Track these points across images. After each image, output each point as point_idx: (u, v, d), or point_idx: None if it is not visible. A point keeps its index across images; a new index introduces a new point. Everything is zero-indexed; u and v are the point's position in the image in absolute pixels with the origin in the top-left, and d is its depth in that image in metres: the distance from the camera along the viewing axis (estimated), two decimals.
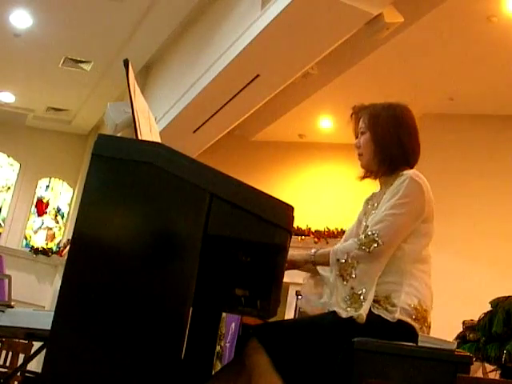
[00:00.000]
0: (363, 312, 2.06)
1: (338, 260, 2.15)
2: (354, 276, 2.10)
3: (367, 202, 2.40)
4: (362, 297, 2.08)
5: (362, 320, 2.05)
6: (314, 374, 2.05)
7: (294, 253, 2.30)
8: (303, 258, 2.30)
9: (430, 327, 2.17)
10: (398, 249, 2.17)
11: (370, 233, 2.13)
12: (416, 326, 2.11)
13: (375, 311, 2.10)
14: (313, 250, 2.30)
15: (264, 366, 2.01)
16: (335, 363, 2.03)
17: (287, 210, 1.70)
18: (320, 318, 2.20)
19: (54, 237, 11.46)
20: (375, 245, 2.10)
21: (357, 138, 2.36)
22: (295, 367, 2.04)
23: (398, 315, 2.08)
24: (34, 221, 11.49)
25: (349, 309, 2.08)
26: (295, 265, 2.31)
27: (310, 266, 2.36)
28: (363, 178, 2.38)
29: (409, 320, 2.09)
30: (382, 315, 2.09)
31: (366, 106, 2.36)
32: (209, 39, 7.04)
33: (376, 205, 2.30)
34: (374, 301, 2.11)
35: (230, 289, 2.03)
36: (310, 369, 2.05)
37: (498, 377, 5.14)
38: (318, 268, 2.35)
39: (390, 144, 2.28)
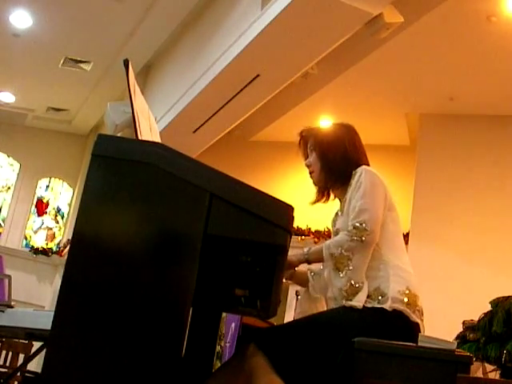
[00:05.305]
0: (356, 302, 2.13)
1: (332, 254, 2.20)
2: (351, 268, 2.16)
3: (333, 220, 2.46)
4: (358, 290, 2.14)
5: (360, 306, 2.12)
6: (314, 373, 2.06)
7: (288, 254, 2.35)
8: (297, 258, 2.36)
9: (422, 313, 2.21)
10: None
11: (357, 224, 2.18)
12: (408, 311, 2.15)
13: (368, 305, 2.15)
14: (305, 249, 2.37)
15: (263, 367, 2.01)
16: (335, 362, 2.04)
17: (287, 209, 1.70)
18: (317, 316, 2.22)
19: (53, 237, 11.46)
20: (366, 233, 2.16)
21: (306, 159, 2.47)
22: (295, 368, 2.05)
23: (390, 303, 2.13)
24: (34, 221, 11.48)
25: (345, 300, 2.14)
26: (290, 265, 2.36)
27: (302, 276, 2.46)
28: (315, 202, 2.49)
29: (401, 307, 2.14)
30: (376, 306, 2.13)
31: (312, 128, 2.50)
32: (209, 39, 7.04)
33: (341, 213, 2.37)
34: (366, 295, 2.16)
35: (229, 289, 2.03)
36: (309, 369, 2.06)
37: (498, 377, 5.13)
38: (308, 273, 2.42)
39: (335, 158, 2.38)
